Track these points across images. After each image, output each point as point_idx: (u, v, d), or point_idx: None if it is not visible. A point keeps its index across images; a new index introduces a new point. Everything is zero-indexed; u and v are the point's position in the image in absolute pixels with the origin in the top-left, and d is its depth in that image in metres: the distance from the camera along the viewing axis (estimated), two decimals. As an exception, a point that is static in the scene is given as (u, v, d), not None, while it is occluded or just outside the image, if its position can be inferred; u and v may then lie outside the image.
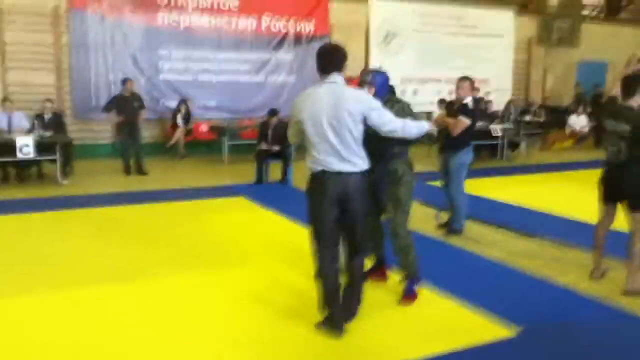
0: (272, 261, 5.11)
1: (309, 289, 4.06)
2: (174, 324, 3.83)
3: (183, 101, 11.71)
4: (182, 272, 4.80)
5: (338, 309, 3.66)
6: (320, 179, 3.55)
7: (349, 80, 4.17)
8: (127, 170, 9.69)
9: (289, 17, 13.21)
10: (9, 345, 3.47)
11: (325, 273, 3.66)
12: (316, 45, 13.14)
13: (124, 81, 9.91)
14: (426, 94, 14.31)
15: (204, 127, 12.07)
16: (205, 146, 12.38)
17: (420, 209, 7.37)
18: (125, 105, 9.63)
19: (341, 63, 3.58)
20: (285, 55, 13.30)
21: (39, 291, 4.33)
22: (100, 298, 4.22)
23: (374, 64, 13.17)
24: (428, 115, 14.06)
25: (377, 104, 3.63)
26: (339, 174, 3.51)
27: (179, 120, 11.55)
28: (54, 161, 8.67)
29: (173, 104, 11.85)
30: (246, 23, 12.81)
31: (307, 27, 13.46)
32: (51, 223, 6.41)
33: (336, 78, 3.56)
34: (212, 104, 12.52)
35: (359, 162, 3.56)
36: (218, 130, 11.77)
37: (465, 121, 5.88)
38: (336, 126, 3.46)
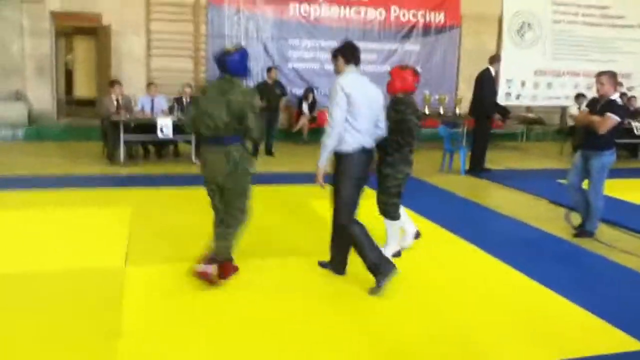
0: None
1: (429, 279, 4.03)
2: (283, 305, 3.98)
3: (309, 89, 11.99)
4: (290, 255, 4.95)
5: (378, 253, 4.12)
6: (359, 154, 4.08)
7: None
8: (255, 153, 10.12)
9: (418, 8, 13.07)
10: (154, 311, 3.80)
11: (363, 231, 4.13)
12: (446, 36, 13.19)
13: (269, 69, 10.39)
14: (561, 87, 13.50)
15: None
16: (328, 134, 12.62)
17: (549, 207, 7.03)
18: (268, 92, 10.08)
19: (359, 57, 4.23)
20: (413, 46, 13.18)
21: (165, 262, 4.68)
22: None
23: (506, 55, 12.63)
24: (563, 110, 13.30)
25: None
26: (370, 149, 4.21)
27: (305, 107, 11.85)
28: (188, 141, 9.27)
29: (299, 91, 12.19)
30: (375, 14, 12.86)
31: (437, 17, 13.24)
32: (184, 198, 6.84)
33: (359, 70, 4.20)
34: (337, 92, 12.72)
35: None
36: (342, 119, 11.92)
37: (614, 119, 5.43)
38: (374, 110, 4.15)
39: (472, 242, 5.37)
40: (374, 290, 4.05)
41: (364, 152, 4.10)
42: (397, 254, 4.84)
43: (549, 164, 10.38)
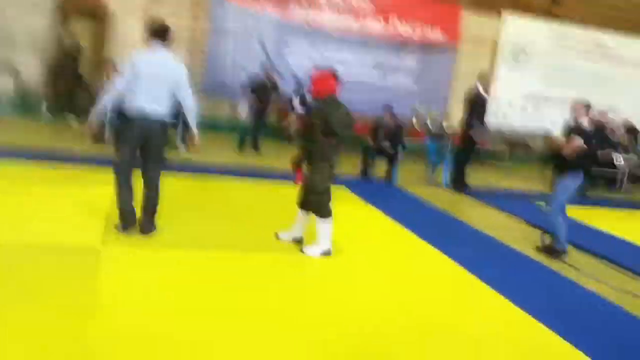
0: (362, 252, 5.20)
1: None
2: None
3: (300, 85, 11.93)
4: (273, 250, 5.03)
5: (131, 217, 4.82)
6: (135, 120, 4.59)
7: None
8: (240, 147, 10.19)
9: (414, 23, 13.13)
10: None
11: (126, 199, 4.74)
12: (441, 54, 13.16)
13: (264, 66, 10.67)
14: (548, 113, 13.67)
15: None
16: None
17: (522, 227, 7.15)
18: (262, 91, 10.27)
19: (168, 36, 4.72)
20: (409, 61, 13.25)
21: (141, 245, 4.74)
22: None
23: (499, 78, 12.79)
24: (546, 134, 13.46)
25: (187, 78, 4.75)
26: (150, 116, 4.60)
27: (296, 104, 11.80)
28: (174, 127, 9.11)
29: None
30: (373, 24, 12.93)
31: (433, 35, 13.30)
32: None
33: (163, 45, 4.67)
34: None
35: (165, 110, 4.69)
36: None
37: (576, 140, 5.72)
38: (162, 83, 4.61)
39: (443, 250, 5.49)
40: (116, 226, 4.79)
41: (141, 115, 4.58)
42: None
43: (526, 186, 10.51)
